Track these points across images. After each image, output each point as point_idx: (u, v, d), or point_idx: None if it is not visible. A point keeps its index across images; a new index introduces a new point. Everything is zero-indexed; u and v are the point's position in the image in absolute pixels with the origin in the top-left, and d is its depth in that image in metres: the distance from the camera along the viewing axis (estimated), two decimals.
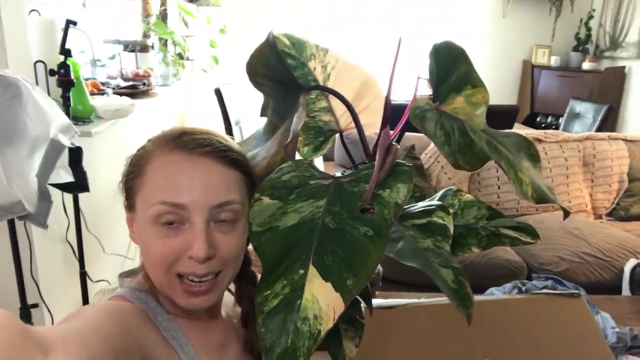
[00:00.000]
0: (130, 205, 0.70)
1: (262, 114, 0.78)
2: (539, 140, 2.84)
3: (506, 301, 1.07)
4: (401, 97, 3.14)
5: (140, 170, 0.68)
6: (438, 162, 2.64)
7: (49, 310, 1.78)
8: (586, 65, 4.79)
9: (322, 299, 0.47)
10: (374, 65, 4.21)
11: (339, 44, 4.71)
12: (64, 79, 1.76)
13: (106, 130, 2.02)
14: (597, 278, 2.20)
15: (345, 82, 0.81)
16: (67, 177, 1.48)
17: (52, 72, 1.79)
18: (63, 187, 1.51)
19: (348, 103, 0.68)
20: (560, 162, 2.82)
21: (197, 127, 0.72)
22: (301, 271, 0.49)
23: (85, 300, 1.98)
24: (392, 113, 0.67)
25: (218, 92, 3.28)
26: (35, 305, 1.65)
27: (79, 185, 1.58)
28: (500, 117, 3.28)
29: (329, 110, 0.82)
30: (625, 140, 2.97)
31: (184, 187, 0.64)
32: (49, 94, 1.78)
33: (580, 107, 4.21)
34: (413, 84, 0.68)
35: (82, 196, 1.87)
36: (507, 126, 3.35)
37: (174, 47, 3.58)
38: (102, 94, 2.24)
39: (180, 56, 3.59)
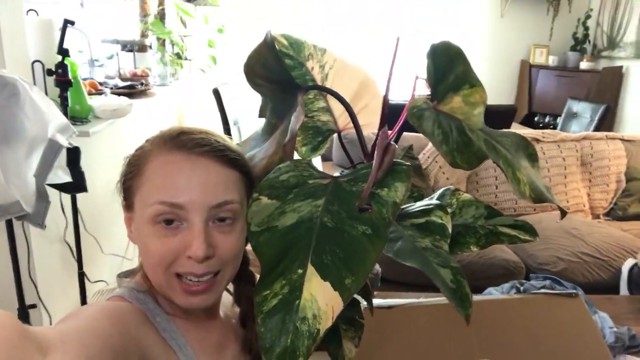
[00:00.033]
0: (128, 205, 0.70)
1: (261, 115, 0.78)
2: (537, 140, 2.84)
3: (504, 301, 1.07)
4: (400, 97, 3.14)
5: (139, 170, 0.68)
6: (436, 162, 2.64)
7: (47, 311, 1.78)
8: (584, 65, 4.79)
9: (320, 299, 0.47)
10: (374, 65, 4.22)
11: (338, 44, 4.71)
12: (61, 78, 1.75)
13: (104, 130, 2.02)
14: (595, 278, 2.20)
15: (344, 82, 0.81)
16: (65, 177, 1.48)
17: (49, 72, 1.78)
18: (61, 187, 1.51)
19: (346, 103, 0.68)
20: (558, 161, 2.82)
21: (195, 126, 0.72)
22: (300, 271, 0.49)
23: (84, 300, 1.97)
24: (391, 113, 0.67)
25: (216, 92, 3.29)
26: (34, 306, 1.65)
27: (76, 185, 1.58)
28: (498, 116, 3.28)
29: (327, 110, 0.82)
30: (622, 139, 2.98)
31: (182, 187, 0.64)
32: (46, 93, 1.77)
33: (577, 106, 4.22)
34: (411, 84, 0.68)
35: (80, 196, 1.87)
36: (505, 126, 3.36)
37: (172, 46, 3.58)
38: (100, 93, 2.24)
39: (179, 56, 3.58)
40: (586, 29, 4.87)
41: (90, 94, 2.17)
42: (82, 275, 1.95)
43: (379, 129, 0.63)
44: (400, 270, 2.12)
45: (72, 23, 1.75)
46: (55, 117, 1.37)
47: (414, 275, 2.08)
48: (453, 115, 0.63)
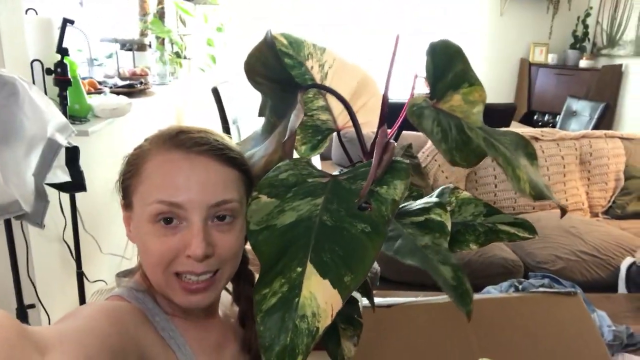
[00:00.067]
0: (127, 205, 0.70)
1: (260, 114, 0.78)
2: (536, 139, 2.84)
3: (503, 300, 1.07)
4: (399, 96, 3.13)
5: (138, 169, 0.68)
6: (435, 160, 2.64)
7: (45, 311, 1.78)
8: (583, 63, 4.80)
9: (320, 296, 0.47)
10: (374, 65, 4.21)
11: (338, 44, 4.71)
12: (60, 78, 1.75)
13: (103, 130, 2.01)
14: (594, 276, 2.21)
15: (343, 81, 0.81)
16: (64, 176, 1.48)
17: (49, 71, 1.78)
18: (60, 186, 1.51)
19: (345, 101, 0.68)
20: (557, 160, 2.82)
21: (194, 125, 0.72)
22: (299, 269, 0.49)
23: (82, 300, 1.97)
24: (390, 112, 0.67)
25: (215, 91, 3.28)
26: (32, 306, 1.65)
27: (75, 184, 1.58)
28: (498, 115, 3.29)
29: (327, 109, 0.82)
30: (621, 138, 2.98)
31: (181, 186, 0.64)
32: (45, 93, 1.77)
33: (577, 105, 4.22)
34: (411, 84, 0.68)
35: (79, 196, 1.87)
36: (504, 124, 3.36)
37: (172, 45, 3.58)
38: (99, 93, 2.23)
39: (178, 55, 3.58)
40: (586, 27, 4.87)
41: (89, 93, 2.17)
42: (80, 275, 1.94)
43: (379, 128, 0.63)
44: (399, 270, 2.13)
45: (72, 22, 1.75)
46: (55, 117, 1.37)
47: (412, 274, 2.09)
48: (452, 114, 0.63)
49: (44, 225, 1.34)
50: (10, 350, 0.42)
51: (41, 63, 1.78)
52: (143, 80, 2.73)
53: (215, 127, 0.78)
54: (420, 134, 0.57)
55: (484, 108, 0.65)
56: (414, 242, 0.60)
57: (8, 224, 1.48)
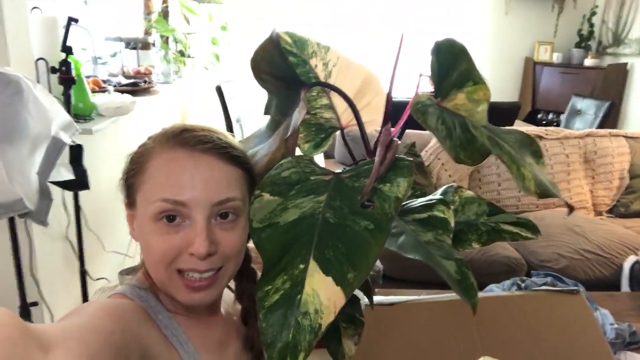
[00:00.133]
0: (130, 203, 0.70)
1: (266, 112, 0.78)
2: (540, 137, 2.84)
3: (506, 298, 1.07)
4: (403, 95, 3.13)
5: (141, 167, 0.68)
6: (438, 159, 2.64)
7: (48, 309, 1.79)
8: (588, 61, 4.77)
9: (322, 293, 0.47)
10: (377, 65, 4.18)
11: (341, 44, 4.70)
12: (65, 76, 1.76)
13: (107, 128, 2.02)
14: (597, 275, 2.20)
15: (347, 80, 0.81)
16: (67, 174, 1.49)
17: (53, 70, 1.79)
18: (63, 184, 1.51)
19: (349, 99, 0.68)
20: (562, 159, 2.82)
21: (198, 124, 0.72)
22: (302, 266, 0.49)
23: (85, 298, 1.98)
24: (394, 110, 0.67)
25: (219, 90, 3.28)
26: (35, 304, 1.65)
27: (79, 182, 1.59)
28: (502, 113, 3.28)
29: (330, 107, 0.82)
30: (626, 137, 2.97)
31: (185, 185, 0.64)
32: (50, 91, 1.78)
33: (582, 103, 4.20)
34: (415, 83, 0.68)
35: (82, 194, 1.87)
36: (508, 123, 3.35)
37: (176, 44, 3.58)
38: (103, 91, 2.24)
39: (182, 53, 3.58)
40: (591, 25, 4.84)
41: (93, 91, 2.17)
42: (84, 273, 1.95)
43: (382, 126, 0.63)
44: (403, 267, 2.13)
45: (76, 21, 1.75)
46: (59, 115, 1.38)
47: (416, 271, 2.09)
48: (457, 112, 0.63)
49: (48, 223, 1.35)
50: (12, 348, 0.42)
51: (45, 61, 1.78)
52: (147, 79, 2.74)
53: (219, 126, 0.78)
54: (424, 132, 0.56)
55: (488, 107, 0.65)
56: (417, 238, 0.60)
57: (12, 222, 1.49)
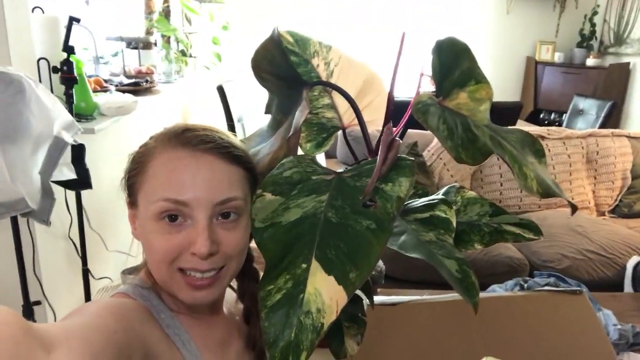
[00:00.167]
0: (132, 202, 0.71)
1: (267, 111, 0.78)
2: (542, 137, 2.83)
3: (508, 298, 1.07)
4: (404, 94, 3.13)
5: (143, 167, 0.68)
6: (440, 159, 2.63)
7: (51, 308, 1.79)
8: (590, 61, 4.77)
9: (325, 292, 0.47)
10: (377, 62, 4.19)
11: (341, 42, 4.68)
12: (67, 76, 1.76)
13: (109, 128, 2.02)
14: (600, 275, 2.20)
15: (349, 79, 0.81)
16: (69, 174, 1.49)
17: (55, 69, 1.79)
18: (66, 184, 1.51)
19: (351, 99, 0.68)
20: (564, 159, 2.81)
21: (200, 123, 0.72)
22: (304, 265, 0.49)
23: (88, 297, 1.98)
24: (395, 110, 0.67)
25: (221, 89, 3.28)
26: (38, 303, 1.65)
27: (81, 182, 1.59)
28: (504, 113, 3.27)
29: (332, 107, 0.82)
30: (628, 137, 2.96)
31: (186, 184, 0.64)
32: (52, 91, 1.78)
33: (584, 103, 4.20)
34: (416, 82, 0.68)
35: (84, 193, 1.87)
36: (510, 123, 3.35)
37: (177, 44, 3.58)
38: (105, 91, 2.24)
39: (183, 53, 3.59)
40: (593, 25, 4.84)
41: (95, 91, 2.18)
42: (86, 272, 1.95)
43: (384, 125, 0.63)
44: (405, 267, 2.13)
45: (78, 20, 1.75)
46: (61, 115, 1.38)
47: (419, 271, 2.09)
48: (458, 112, 0.62)
49: (50, 223, 1.35)
50: (15, 348, 0.42)
51: (47, 61, 1.79)
52: (149, 79, 2.74)
53: (221, 125, 0.78)
54: (426, 132, 0.56)
55: (490, 106, 0.64)
56: (419, 237, 0.60)
57: (14, 222, 1.49)
